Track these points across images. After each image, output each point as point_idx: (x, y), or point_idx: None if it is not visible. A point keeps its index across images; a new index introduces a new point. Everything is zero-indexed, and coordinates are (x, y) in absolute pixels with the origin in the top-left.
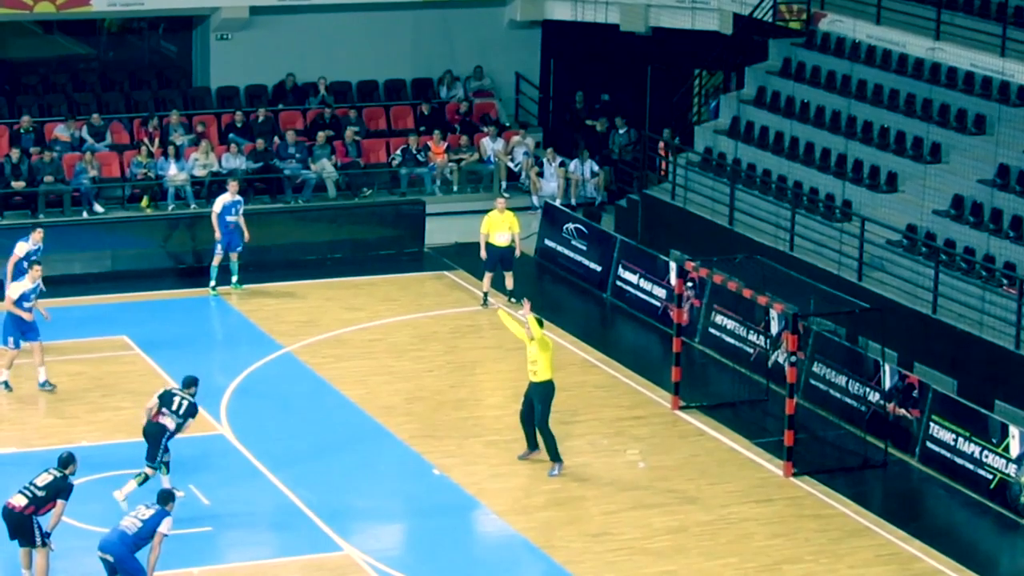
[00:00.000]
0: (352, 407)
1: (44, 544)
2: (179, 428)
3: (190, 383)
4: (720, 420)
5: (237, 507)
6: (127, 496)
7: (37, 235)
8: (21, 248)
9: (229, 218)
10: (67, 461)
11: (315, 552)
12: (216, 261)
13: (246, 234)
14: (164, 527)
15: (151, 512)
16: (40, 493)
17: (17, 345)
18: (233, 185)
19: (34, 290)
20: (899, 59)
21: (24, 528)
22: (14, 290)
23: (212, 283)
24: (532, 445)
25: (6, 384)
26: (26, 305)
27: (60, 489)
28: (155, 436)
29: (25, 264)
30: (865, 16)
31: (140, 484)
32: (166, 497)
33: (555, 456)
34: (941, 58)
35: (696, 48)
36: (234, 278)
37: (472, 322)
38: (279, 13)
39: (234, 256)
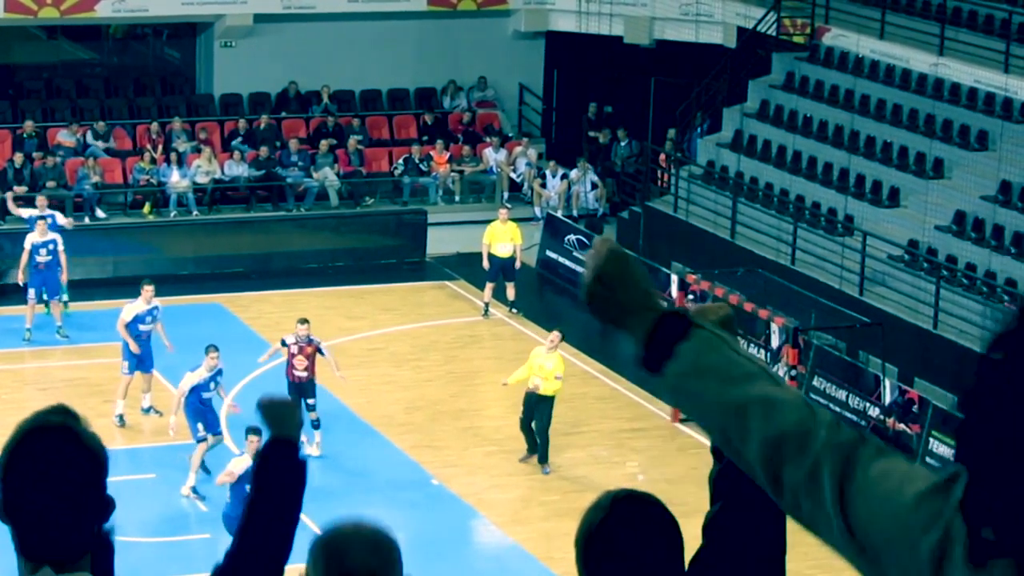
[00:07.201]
0: (351, 416)
1: None
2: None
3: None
4: None
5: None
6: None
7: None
8: (29, 240)
9: (38, 258)
10: None
11: None
12: (28, 308)
13: (64, 274)
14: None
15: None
16: None
17: (131, 371)
18: (40, 225)
19: (150, 312)
20: (902, 74)
21: None
22: (127, 312)
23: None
24: (532, 448)
25: (120, 418)
26: (141, 328)
27: None
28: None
29: (24, 259)
30: (869, 31)
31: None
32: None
33: (544, 459)
34: (944, 74)
35: (700, 61)
36: (58, 324)
37: (473, 332)
38: (283, 21)
39: (55, 304)
